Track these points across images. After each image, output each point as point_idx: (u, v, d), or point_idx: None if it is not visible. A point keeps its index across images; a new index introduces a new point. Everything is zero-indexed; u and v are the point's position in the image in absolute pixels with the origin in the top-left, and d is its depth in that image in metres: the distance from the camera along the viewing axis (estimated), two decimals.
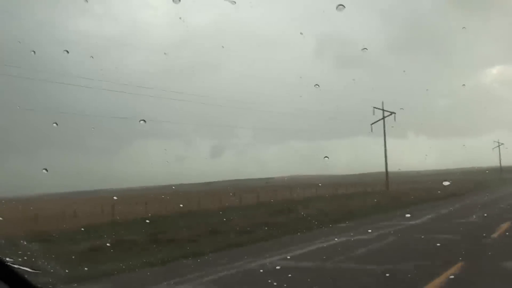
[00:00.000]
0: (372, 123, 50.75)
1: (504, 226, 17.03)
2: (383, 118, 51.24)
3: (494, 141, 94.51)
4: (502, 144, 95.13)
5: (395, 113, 50.49)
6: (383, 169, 53.07)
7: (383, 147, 52.82)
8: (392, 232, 16.79)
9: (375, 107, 50.43)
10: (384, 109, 51.56)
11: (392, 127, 52.37)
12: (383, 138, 52.33)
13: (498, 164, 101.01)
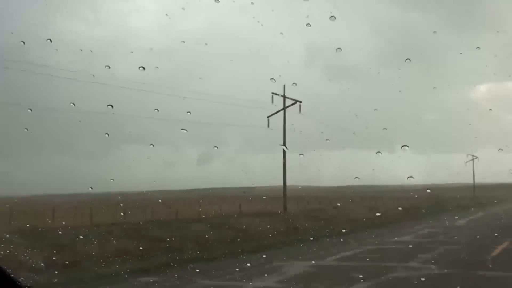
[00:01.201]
0: (269, 116, 37.76)
1: None
2: (284, 108, 38.23)
3: (468, 154, 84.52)
4: (476, 157, 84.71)
5: (300, 101, 38.22)
6: (369, 182, 50.84)
7: (372, 159, 50.68)
8: None
9: (273, 93, 37.05)
10: (290, 97, 38.34)
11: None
12: (370, 150, 48.64)
13: (480, 181, 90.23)
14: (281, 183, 37.45)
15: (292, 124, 38.36)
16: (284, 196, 38.25)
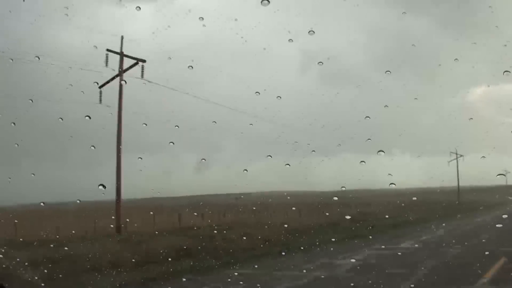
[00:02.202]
0: (101, 85, 26.59)
1: None
2: (120, 73, 27.11)
3: (451, 153, 72.77)
4: (461, 156, 73.13)
5: (144, 61, 27.36)
6: (367, 187, 49.95)
7: (366, 163, 50.34)
8: None
9: (109, 50, 26.81)
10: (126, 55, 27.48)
11: (369, 140, 50.88)
12: (365, 155, 47.96)
13: (476, 184, 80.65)
14: (276, 189, 37.13)
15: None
16: (117, 210, 26.54)
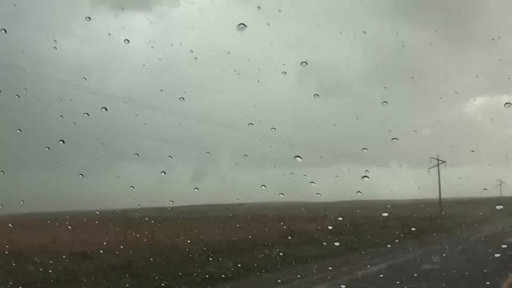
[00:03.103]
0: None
1: None
2: None
3: (432, 158, 65.59)
4: (443, 162, 65.47)
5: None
6: (367, 198, 50.65)
7: (369, 176, 51.37)
8: None
9: None
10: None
11: None
12: (369, 167, 49.84)
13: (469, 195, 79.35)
14: (273, 200, 37.34)
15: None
16: None
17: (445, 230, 39.83)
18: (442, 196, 72.03)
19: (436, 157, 65.99)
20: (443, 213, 64.65)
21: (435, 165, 67.34)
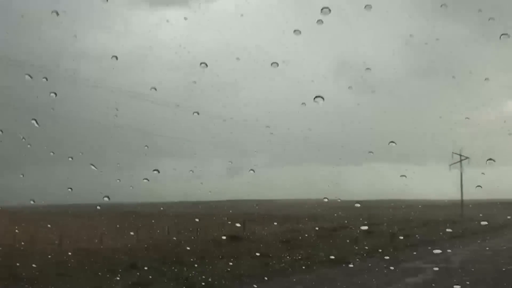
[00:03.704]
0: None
1: None
2: None
3: (454, 153, 59.92)
4: (466, 158, 60.16)
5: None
6: (395, 197, 49.61)
7: (398, 174, 50.72)
8: None
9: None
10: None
11: None
12: (399, 164, 48.54)
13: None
14: (304, 197, 37.70)
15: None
16: None
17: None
18: (485, 197, 70.63)
19: (459, 154, 62.58)
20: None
21: (457, 161, 63.15)
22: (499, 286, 14.78)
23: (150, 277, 15.15)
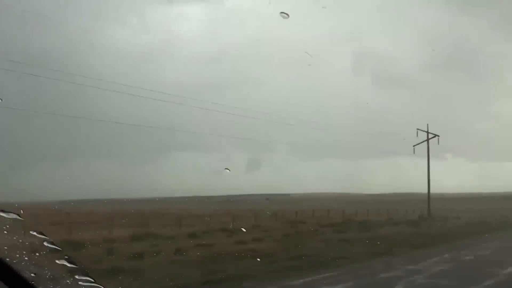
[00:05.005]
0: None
1: None
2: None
3: (419, 130, 51.36)
4: (435, 136, 51.38)
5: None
6: (413, 190, 49.76)
7: (421, 168, 52.50)
8: None
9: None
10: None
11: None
12: (422, 159, 51.56)
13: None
14: (317, 191, 39.66)
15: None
16: None
17: None
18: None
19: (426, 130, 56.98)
20: None
21: (424, 140, 56.30)
22: None
23: None
